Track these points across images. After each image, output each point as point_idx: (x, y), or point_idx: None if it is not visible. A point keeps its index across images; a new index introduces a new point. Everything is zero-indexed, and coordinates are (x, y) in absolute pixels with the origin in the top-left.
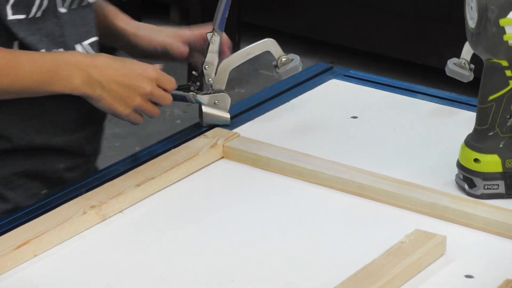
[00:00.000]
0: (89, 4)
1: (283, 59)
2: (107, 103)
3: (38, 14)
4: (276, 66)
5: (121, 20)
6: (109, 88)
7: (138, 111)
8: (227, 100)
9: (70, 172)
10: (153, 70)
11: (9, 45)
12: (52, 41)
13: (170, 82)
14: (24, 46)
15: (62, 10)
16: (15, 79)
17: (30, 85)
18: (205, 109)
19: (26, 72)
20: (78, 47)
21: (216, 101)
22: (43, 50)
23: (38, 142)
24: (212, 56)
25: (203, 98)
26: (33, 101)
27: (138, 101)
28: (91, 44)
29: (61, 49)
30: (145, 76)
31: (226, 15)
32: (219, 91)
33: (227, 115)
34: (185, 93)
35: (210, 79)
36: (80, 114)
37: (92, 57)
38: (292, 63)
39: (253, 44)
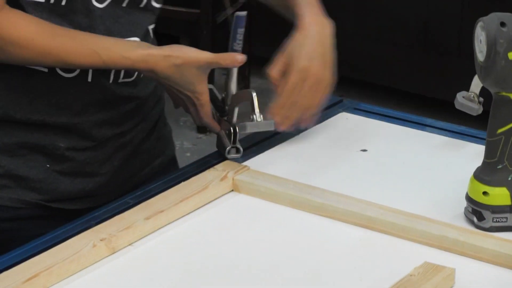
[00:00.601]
0: (147, 7)
1: (251, 116)
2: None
3: (63, 2)
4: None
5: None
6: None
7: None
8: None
9: (75, 152)
10: (199, 96)
11: None
12: (77, 29)
13: (204, 113)
14: None
15: (97, 5)
16: (59, 65)
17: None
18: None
19: (70, 64)
20: None
21: (227, 131)
22: None
23: (34, 117)
24: (228, 83)
25: (220, 119)
26: (34, 76)
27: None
28: None
29: None
30: (188, 96)
31: (238, 48)
32: (230, 122)
33: (227, 146)
34: (212, 106)
35: (226, 106)
36: (89, 99)
37: (152, 59)
38: (247, 122)
39: (241, 90)
